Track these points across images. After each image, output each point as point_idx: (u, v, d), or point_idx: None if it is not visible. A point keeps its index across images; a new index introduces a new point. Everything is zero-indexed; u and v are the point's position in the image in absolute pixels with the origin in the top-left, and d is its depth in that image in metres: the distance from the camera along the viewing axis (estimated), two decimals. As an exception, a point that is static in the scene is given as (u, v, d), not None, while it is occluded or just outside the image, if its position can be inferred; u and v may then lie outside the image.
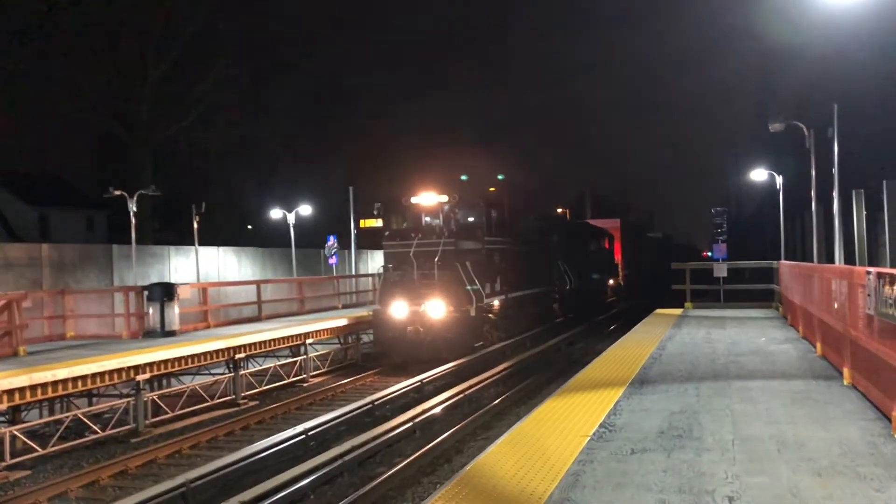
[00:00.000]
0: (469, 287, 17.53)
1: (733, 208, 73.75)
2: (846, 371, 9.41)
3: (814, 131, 21.34)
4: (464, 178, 23.27)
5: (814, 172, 21.46)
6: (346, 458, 9.46)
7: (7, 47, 25.60)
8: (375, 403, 12.80)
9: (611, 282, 36.93)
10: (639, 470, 5.97)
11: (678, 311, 21.43)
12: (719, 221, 29.82)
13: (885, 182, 18.79)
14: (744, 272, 27.70)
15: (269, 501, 7.88)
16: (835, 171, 18.15)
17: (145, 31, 29.43)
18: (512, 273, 20.87)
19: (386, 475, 8.99)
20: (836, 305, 10.19)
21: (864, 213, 19.72)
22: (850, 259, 20.96)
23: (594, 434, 7.13)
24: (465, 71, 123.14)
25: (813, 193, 22.07)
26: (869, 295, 7.71)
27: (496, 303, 19.60)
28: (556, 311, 26.62)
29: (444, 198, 18.23)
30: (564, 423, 7.61)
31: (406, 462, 9.58)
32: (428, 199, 18.37)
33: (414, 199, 18.44)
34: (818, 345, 12.11)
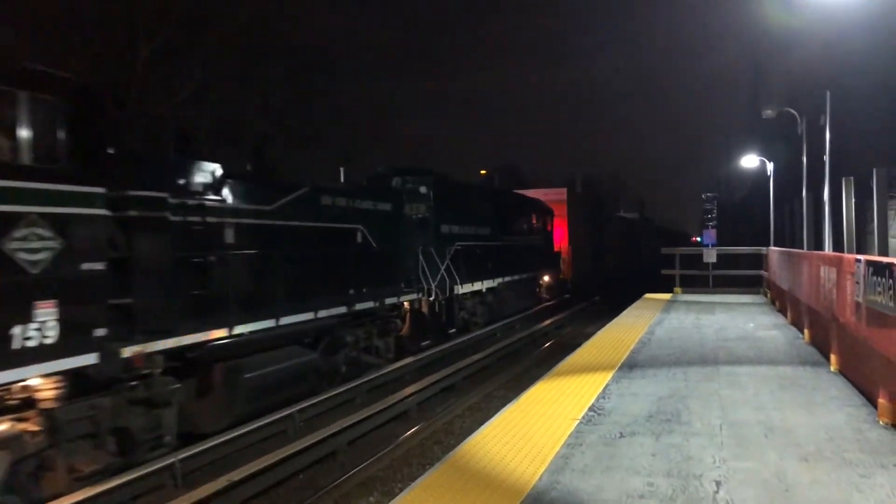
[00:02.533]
0: None
1: (724, 194, 73.97)
2: (833, 357, 9.49)
3: (806, 118, 21.36)
4: None
5: (805, 159, 21.51)
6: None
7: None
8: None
9: (545, 278, 27.13)
10: (627, 453, 6.01)
11: (667, 296, 21.52)
12: (709, 207, 29.87)
13: (874, 170, 18.87)
14: (734, 258, 27.87)
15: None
16: (826, 158, 18.20)
17: (136, 8, 29.12)
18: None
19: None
20: (824, 292, 10.25)
21: (854, 200, 19.81)
22: (838, 246, 21.05)
23: (583, 417, 7.17)
24: (459, 49, 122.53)
25: (804, 180, 22.13)
26: (858, 283, 7.76)
27: None
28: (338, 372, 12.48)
29: None
30: (554, 407, 7.64)
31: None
32: None
33: None
34: (806, 331, 12.19)
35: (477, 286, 19.37)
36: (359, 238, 13.21)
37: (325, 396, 11.39)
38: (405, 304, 15.53)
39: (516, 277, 22.68)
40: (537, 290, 26.26)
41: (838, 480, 5.28)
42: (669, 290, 22.56)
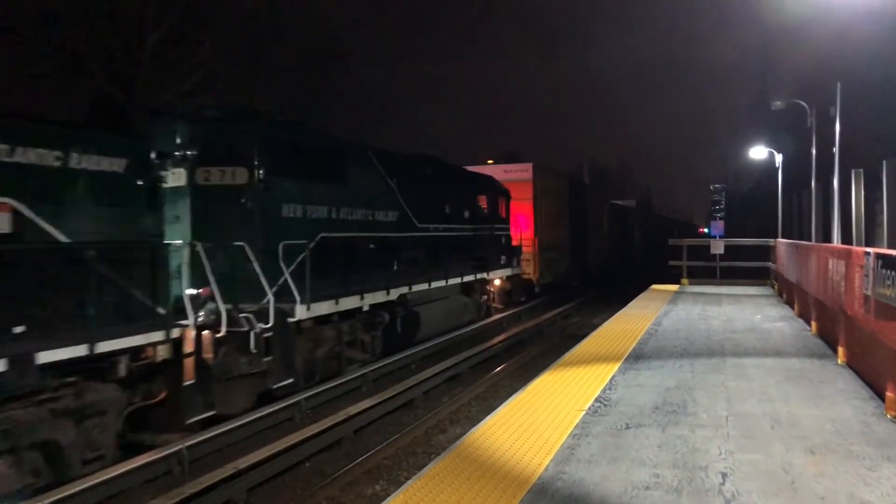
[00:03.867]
0: None
1: (731, 186, 73.77)
2: (841, 350, 9.47)
3: (815, 110, 21.25)
4: None
5: (814, 151, 21.41)
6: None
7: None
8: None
9: (497, 281, 20.69)
10: (633, 444, 6.02)
11: (674, 287, 21.49)
12: (717, 198, 29.87)
13: (884, 162, 18.79)
14: (740, 249, 27.77)
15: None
16: (835, 150, 18.11)
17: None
18: None
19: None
20: (832, 285, 10.22)
21: (863, 192, 19.74)
22: (846, 239, 20.98)
23: (589, 408, 7.18)
24: (465, 35, 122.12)
25: (813, 172, 22.03)
26: (867, 275, 7.73)
27: None
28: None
29: None
30: (560, 398, 7.65)
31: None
32: None
33: None
34: (813, 323, 12.16)
35: (349, 303, 12.10)
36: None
37: (332, 385, 11.42)
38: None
39: (442, 284, 16.09)
40: (485, 297, 19.77)
41: (844, 473, 5.28)
42: (676, 282, 22.54)
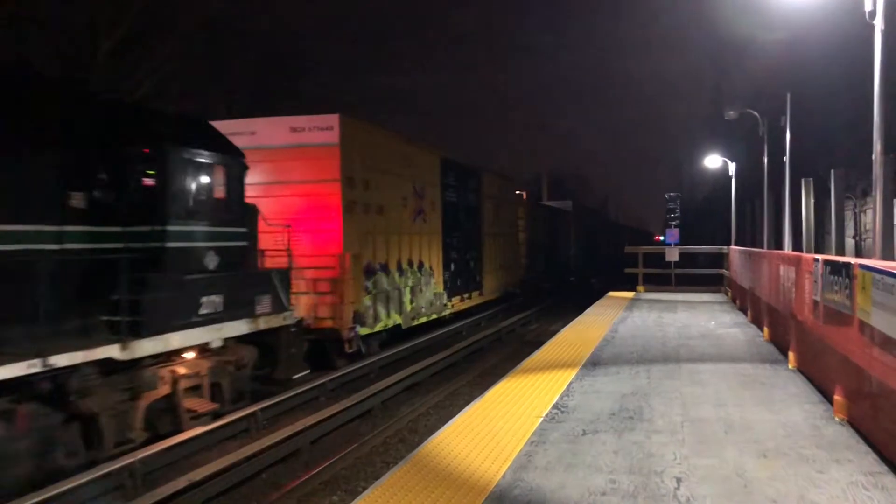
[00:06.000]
0: None
1: (687, 194, 75.05)
2: (791, 355, 9.65)
3: (767, 120, 21.72)
4: None
5: (766, 160, 21.87)
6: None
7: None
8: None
9: (183, 370, 9.46)
10: (590, 451, 6.05)
11: (630, 295, 21.74)
12: (673, 206, 30.26)
13: (833, 171, 19.25)
14: (695, 256, 28.22)
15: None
16: (786, 159, 18.52)
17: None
18: None
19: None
20: (783, 291, 10.43)
21: (813, 201, 20.21)
22: (797, 246, 21.45)
23: (547, 415, 7.20)
24: (414, 47, 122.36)
25: (765, 181, 22.50)
26: (816, 282, 7.90)
27: None
28: None
29: None
30: (518, 404, 7.66)
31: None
32: None
33: None
34: (765, 329, 12.39)
35: None
36: None
37: (289, 395, 11.30)
38: None
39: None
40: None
41: (795, 476, 5.38)
42: (633, 289, 22.82)
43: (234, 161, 10.76)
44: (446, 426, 6.96)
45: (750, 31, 36.04)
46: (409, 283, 17.25)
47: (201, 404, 9.72)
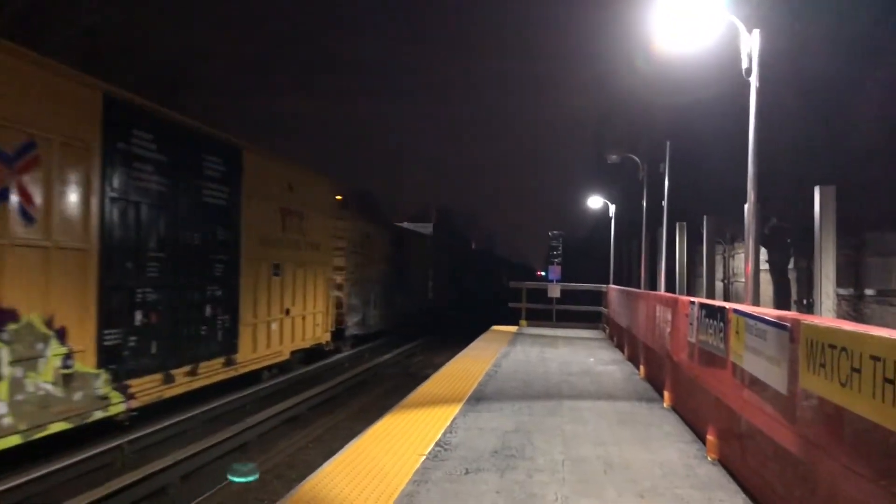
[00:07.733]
0: None
1: (569, 232, 77.30)
2: (667, 394, 9.97)
3: (646, 165, 22.67)
4: None
5: (644, 203, 22.78)
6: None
7: None
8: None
9: None
10: (472, 491, 5.98)
11: (514, 329, 22.06)
12: (555, 244, 30.99)
13: (705, 217, 20.27)
14: (576, 293, 28.98)
15: None
16: (664, 203, 19.34)
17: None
18: None
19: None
20: (659, 331, 10.79)
21: (686, 244, 21.17)
22: (670, 287, 22.37)
23: (430, 453, 7.09)
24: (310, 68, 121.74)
25: (644, 223, 23.42)
26: (691, 323, 8.20)
27: None
28: None
29: None
30: (401, 441, 7.52)
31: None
32: None
33: None
34: (642, 367, 12.78)
35: None
36: None
37: (159, 427, 10.71)
38: None
39: None
40: None
41: (671, 516, 5.48)
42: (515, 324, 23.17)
43: None
44: (326, 464, 6.73)
45: (632, 80, 37.72)
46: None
47: None
